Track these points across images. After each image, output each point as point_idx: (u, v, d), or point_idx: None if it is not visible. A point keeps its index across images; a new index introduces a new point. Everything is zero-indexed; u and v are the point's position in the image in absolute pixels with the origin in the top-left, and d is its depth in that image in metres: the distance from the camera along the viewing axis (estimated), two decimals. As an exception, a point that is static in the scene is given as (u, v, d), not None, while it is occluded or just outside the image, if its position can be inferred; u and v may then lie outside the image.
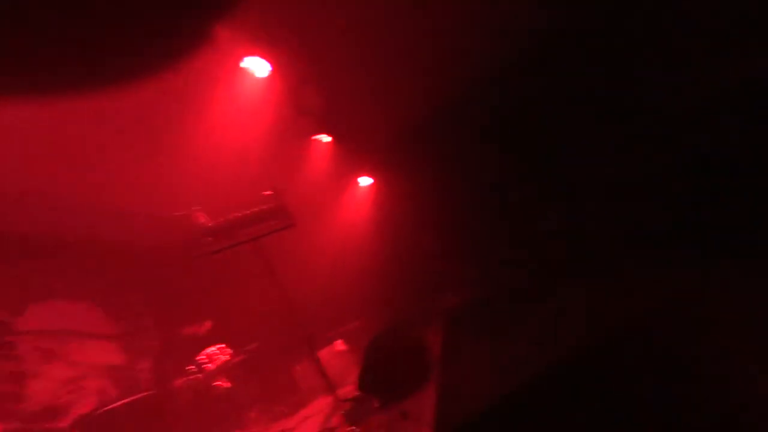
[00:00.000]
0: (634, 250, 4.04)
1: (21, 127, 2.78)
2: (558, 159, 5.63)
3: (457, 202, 6.36)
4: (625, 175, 4.78)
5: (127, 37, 2.74)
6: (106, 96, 2.78)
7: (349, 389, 3.92)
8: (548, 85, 5.49)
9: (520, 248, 5.80)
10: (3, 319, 3.56)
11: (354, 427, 2.92)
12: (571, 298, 3.32)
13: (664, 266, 3.22)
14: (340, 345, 5.33)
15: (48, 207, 3.61)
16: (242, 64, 3.90)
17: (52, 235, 3.92)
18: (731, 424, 1.30)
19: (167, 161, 3.82)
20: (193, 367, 4.16)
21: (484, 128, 6.13)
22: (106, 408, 3.63)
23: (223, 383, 4.28)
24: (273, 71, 4.11)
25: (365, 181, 7.08)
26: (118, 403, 3.69)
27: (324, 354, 4.79)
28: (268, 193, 3.26)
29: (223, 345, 4.45)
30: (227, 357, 4.40)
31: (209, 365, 4.24)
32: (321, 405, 4.07)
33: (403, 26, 4.39)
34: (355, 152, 6.51)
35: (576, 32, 5.11)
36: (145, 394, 3.88)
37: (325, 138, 5.82)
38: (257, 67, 3.98)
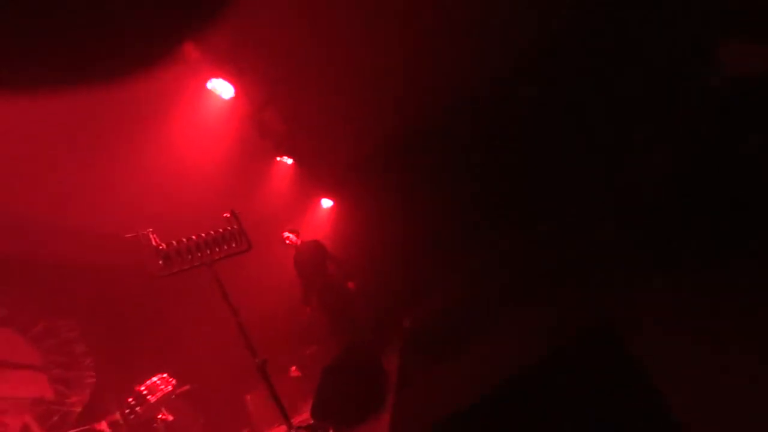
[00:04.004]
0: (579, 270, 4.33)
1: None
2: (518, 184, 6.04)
3: (419, 224, 6.54)
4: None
5: (91, 49, 2.67)
6: (62, 109, 2.65)
7: (304, 417, 3.82)
8: (516, 110, 5.93)
9: (477, 268, 6.07)
10: None
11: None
12: (522, 317, 3.48)
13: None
14: (294, 371, 5.19)
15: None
16: (208, 85, 3.89)
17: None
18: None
19: (125, 178, 3.64)
20: (132, 399, 3.84)
21: (448, 151, 6.44)
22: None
23: (165, 416, 3.98)
24: (237, 93, 4.13)
25: (326, 203, 7.12)
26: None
27: (277, 381, 4.63)
28: (226, 215, 3.21)
29: (166, 374, 4.15)
30: (170, 387, 4.11)
31: (150, 397, 3.94)
32: (273, 435, 3.92)
33: (367, 52, 4.59)
34: (316, 174, 6.56)
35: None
36: (76, 431, 3.52)
37: (287, 160, 5.84)
38: (222, 88, 3.98)
